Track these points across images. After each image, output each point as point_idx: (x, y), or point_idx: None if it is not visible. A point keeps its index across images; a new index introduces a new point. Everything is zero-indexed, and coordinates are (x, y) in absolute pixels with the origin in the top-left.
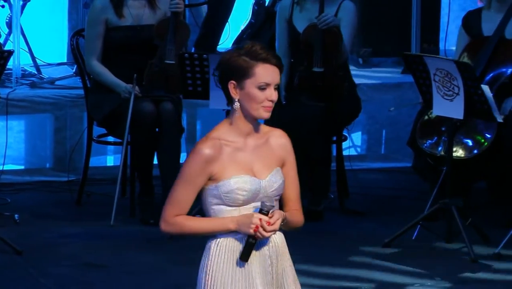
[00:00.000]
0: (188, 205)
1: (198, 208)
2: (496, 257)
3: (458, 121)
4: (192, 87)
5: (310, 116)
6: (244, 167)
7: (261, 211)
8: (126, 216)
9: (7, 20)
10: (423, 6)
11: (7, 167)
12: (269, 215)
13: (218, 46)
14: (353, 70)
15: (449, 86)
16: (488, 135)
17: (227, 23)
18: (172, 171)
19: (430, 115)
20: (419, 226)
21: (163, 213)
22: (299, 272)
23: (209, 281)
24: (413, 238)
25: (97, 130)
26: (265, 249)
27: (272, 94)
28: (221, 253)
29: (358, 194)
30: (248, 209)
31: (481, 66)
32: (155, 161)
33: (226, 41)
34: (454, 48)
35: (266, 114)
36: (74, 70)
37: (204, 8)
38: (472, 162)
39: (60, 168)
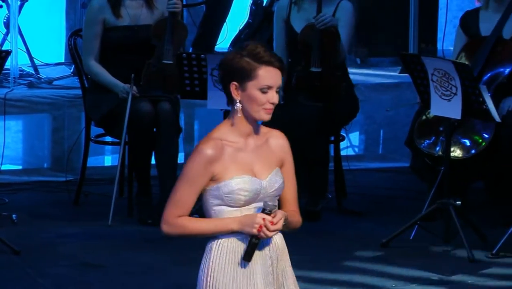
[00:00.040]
0: (190, 206)
1: (197, 207)
2: (494, 257)
3: (456, 121)
4: (190, 87)
5: (307, 116)
6: (245, 167)
7: (263, 211)
8: (124, 216)
9: (4, 20)
10: (421, 6)
11: (5, 167)
12: (272, 214)
13: (216, 46)
14: (351, 70)
15: (447, 86)
16: (486, 135)
17: (225, 23)
18: (169, 171)
19: (428, 115)
20: (417, 226)
21: (164, 214)
22: (297, 273)
23: (211, 281)
24: (411, 238)
25: (95, 130)
26: (266, 250)
27: (273, 97)
28: (223, 254)
29: (355, 194)
30: (249, 209)
31: (478, 66)
32: (153, 161)
33: (223, 41)
34: (452, 48)
35: (267, 117)
36: (72, 70)
37: (202, 8)
38: (469, 161)
39: (58, 168)
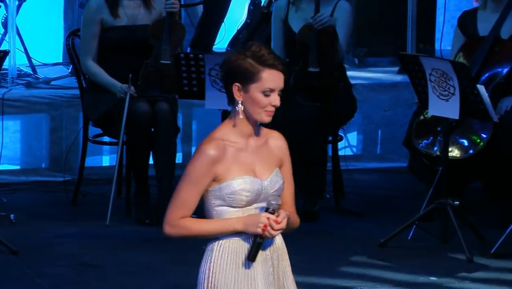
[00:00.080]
0: (193, 207)
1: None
2: (492, 257)
3: (454, 121)
4: (187, 87)
5: (305, 116)
6: (246, 168)
7: (267, 210)
8: (122, 216)
9: (2, 20)
10: (419, 6)
11: (3, 167)
12: (276, 214)
13: (213, 46)
14: (349, 70)
15: (444, 86)
16: (484, 135)
17: (223, 23)
18: (167, 171)
19: (425, 115)
20: (414, 226)
21: (167, 216)
22: (295, 273)
23: (212, 282)
24: (409, 238)
25: (93, 130)
26: (267, 250)
27: (275, 99)
28: (224, 255)
29: (353, 194)
30: (250, 210)
31: (476, 66)
32: (151, 161)
33: (221, 41)
34: (449, 48)
35: (268, 119)
36: (69, 70)
37: (200, 8)
38: (467, 161)
39: (56, 168)
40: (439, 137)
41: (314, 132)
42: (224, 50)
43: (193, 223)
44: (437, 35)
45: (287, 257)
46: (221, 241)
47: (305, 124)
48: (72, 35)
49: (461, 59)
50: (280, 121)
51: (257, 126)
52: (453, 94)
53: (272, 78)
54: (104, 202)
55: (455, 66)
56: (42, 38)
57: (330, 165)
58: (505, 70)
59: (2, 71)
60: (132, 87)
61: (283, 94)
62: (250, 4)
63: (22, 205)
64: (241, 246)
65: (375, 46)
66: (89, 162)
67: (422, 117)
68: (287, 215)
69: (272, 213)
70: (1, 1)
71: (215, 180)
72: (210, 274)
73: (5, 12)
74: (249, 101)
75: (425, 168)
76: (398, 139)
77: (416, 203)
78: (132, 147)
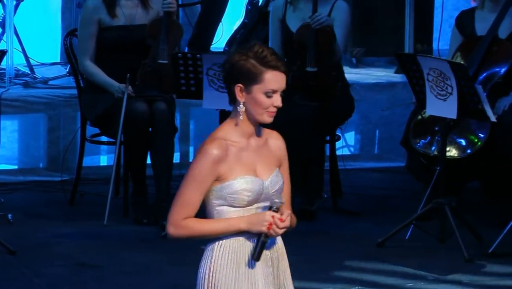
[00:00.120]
0: (197, 207)
1: None
2: (490, 257)
3: (452, 121)
4: (185, 87)
5: (303, 116)
6: (248, 168)
7: (270, 209)
8: (120, 216)
9: (0, 20)
10: (417, 6)
11: (1, 167)
12: (279, 212)
13: (211, 46)
14: (347, 70)
15: (442, 86)
16: (482, 135)
17: (221, 23)
18: (165, 170)
19: (423, 115)
20: (412, 225)
21: (171, 217)
22: (293, 272)
23: (212, 282)
24: (407, 237)
25: (91, 130)
26: (267, 250)
27: (278, 100)
28: (225, 255)
29: (351, 194)
30: (251, 210)
31: (474, 66)
32: (149, 161)
33: (219, 41)
34: (447, 48)
35: (269, 119)
36: (67, 70)
37: (198, 8)
38: (465, 161)
39: (54, 167)
40: (436, 137)
41: (311, 132)
42: (221, 50)
43: (197, 223)
44: (435, 35)
45: (286, 257)
46: (221, 241)
47: (303, 124)
48: (69, 35)
49: (458, 59)
50: (277, 121)
51: (258, 127)
52: (450, 94)
53: (275, 80)
54: (102, 201)
55: (453, 66)
56: (39, 38)
57: (327, 165)
58: (503, 70)
59: (0, 71)
60: (129, 87)
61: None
62: (248, 4)
63: (19, 205)
64: (242, 246)
65: (372, 46)
66: (87, 161)
67: (419, 117)
68: (290, 213)
69: (276, 211)
70: None
71: (218, 179)
72: (211, 274)
73: (2, 11)
74: (251, 102)
75: (422, 167)
76: (395, 139)
77: (414, 202)
78: (129, 146)
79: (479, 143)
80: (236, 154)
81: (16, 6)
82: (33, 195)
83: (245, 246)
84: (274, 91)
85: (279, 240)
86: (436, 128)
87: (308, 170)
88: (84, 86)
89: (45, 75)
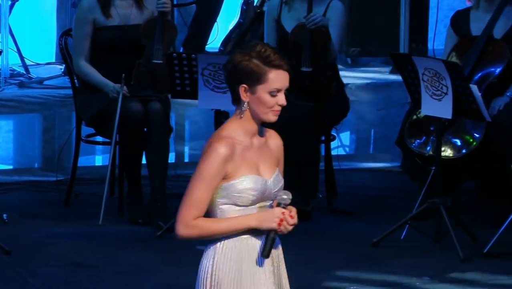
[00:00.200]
0: (206, 206)
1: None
2: (485, 257)
3: (447, 121)
4: (180, 87)
5: (298, 116)
6: (252, 167)
7: (279, 205)
8: (115, 216)
9: None
10: (412, 5)
11: None
12: (288, 208)
13: (206, 46)
14: (342, 70)
15: (437, 86)
16: (477, 135)
17: (216, 23)
18: (160, 170)
19: (418, 115)
20: (407, 225)
21: (180, 217)
22: (288, 273)
23: (215, 281)
24: (402, 237)
25: (86, 130)
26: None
27: (282, 99)
28: (228, 254)
29: (346, 194)
30: (254, 209)
31: (469, 66)
32: (144, 161)
33: (214, 40)
34: (442, 47)
35: (274, 118)
36: (62, 70)
37: (193, 8)
38: (460, 161)
39: (49, 167)
40: (432, 137)
41: (306, 132)
42: (217, 50)
43: (207, 223)
44: (430, 34)
45: (283, 256)
46: (224, 240)
47: (298, 124)
48: (64, 35)
49: (454, 59)
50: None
51: (260, 126)
52: (446, 94)
53: (279, 79)
54: (97, 201)
55: (448, 66)
56: (35, 38)
57: (322, 165)
58: (498, 70)
59: None
60: (124, 87)
61: None
62: (243, 3)
63: (14, 205)
64: (244, 245)
65: (367, 46)
66: (82, 161)
67: (415, 117)
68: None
69: (284, 208)
70: None
71: (224, 178)
72: (213, 273)
73: None
74: (256, 102)
75: (418, 167)
76: (391, 139)
77: (409, 202)
78: (124, 146)
79: (474, 143)
80: (241, 152)
81: (11, 6)
82: (28, 195)
83: (248, 244)
84: (279, 90)
85: (278, 239)
86: (431, 128)
87: (303, 170)
88: (79, 86)
89: (40, 75)
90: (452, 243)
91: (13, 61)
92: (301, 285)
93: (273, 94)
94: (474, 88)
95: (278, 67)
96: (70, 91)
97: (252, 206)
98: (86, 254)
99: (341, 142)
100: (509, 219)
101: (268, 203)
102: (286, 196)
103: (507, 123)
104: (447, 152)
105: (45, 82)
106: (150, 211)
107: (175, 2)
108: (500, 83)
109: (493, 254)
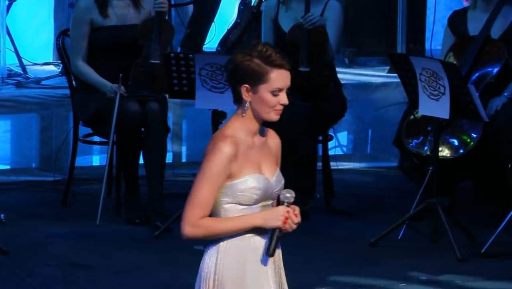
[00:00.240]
0: (211, 205)
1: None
2: (482, 257)
3: (444, 121)
4: (178, 87)
5: (296, 116)
6: (255, 166)
7: (283, 204)
8: (112, 216)
9: None
10: (409, 5)
11: None
12: (291, 207)
13: (204, 46)
14: (339, 70)
15: (435, 86)
16: (474, 135)
17: (213, 23)
18: (158, 170)
19: (416, 115)
20: (405, 225)
21: (186, 217)
22: (285, 272)
23: (218, 280)
24: (399, 237)
25: (83, 130)
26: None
27: (284, 98)
28: (231, 253)
29: (344, 194)
30: (257, 208)
31: (467, 66)
32: (141, 161)
33: (212, 40)
34: (440, 47)
35: (276, 117)
36: (60, 70)
37: (190, 8)
38: (458, 161)
39: (46, 167)
40: (429, 137)
41: (304, 132)
42: (214, 50)
43: (212, 222)
44: (427, 34)
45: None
46: (227, 240)
47: (295, 124)
48: (62, 35)
49: (451, 59)
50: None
51: (261, 125)
52: (443, 94)
53: (280, 78)
54: (94, 201)
55: (445, 66)
56: (32, 38)
57: (320, 165)
58: (495, 70)
59: None
60: (122, 87)
61: None
62: (240, 3)
63: (12, 205)
64: (247, 244)
65: (365, 46)
66: (79, 161)
67: (412, 117)
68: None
69: (288, 206)
70: None
71: (228, 177)
72: (216, 272)
73: None
74: (258, 101)
75: (415, 167)
76: (388, 139)
77: (406, 202)
78: (122, 146)
79: (472, 143)
80: (244, 152)
81: (9, 6)
82: (26, 195)
83: (251, 243)
84: (280, 90)
85: None
86: (429, 128)
87: (301, 169)
88: (76, 86)
89: (38, 75)
90: (449, 243)
91: (11, 61)
92: (298, 285)
93: (275, 93)
94: (472, 88)
95: (279, 66)
96: (67, 91)
97: (255, 205)
98: (83, 254)
99: (339, 142)
100: (507, 219)
101: (270, 202)
102: (290, 195)
103: (505, 123)
104: (444, 152)
105: (43, 82)
106: (147, 211)
107: (172, 2)
108: (497, 83)
109: (491, 254)
